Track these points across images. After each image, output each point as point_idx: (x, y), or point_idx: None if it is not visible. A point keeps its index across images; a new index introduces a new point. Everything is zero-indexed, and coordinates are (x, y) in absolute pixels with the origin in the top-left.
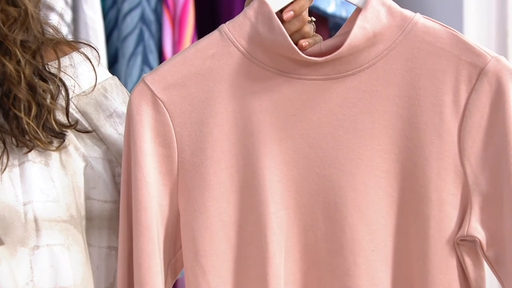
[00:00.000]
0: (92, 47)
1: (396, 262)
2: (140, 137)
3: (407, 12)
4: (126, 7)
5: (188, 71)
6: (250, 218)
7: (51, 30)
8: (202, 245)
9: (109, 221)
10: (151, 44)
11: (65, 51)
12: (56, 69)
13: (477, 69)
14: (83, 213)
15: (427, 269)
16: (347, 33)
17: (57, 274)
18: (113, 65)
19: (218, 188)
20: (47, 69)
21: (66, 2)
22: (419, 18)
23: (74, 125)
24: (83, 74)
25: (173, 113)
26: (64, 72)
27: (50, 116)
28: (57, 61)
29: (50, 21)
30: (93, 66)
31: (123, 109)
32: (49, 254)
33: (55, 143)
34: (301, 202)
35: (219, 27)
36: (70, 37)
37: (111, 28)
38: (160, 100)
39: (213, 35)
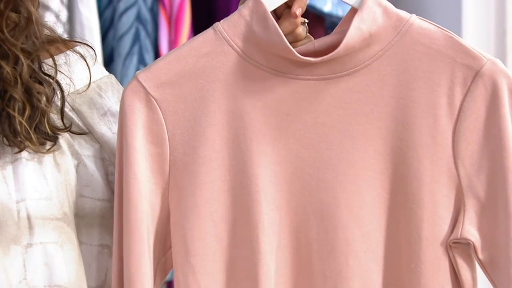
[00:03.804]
0: (89, 45)
1: (388, 263)
2: (132, 135)
3: (403, 13)
4: (122, 6)
5: (182, 69)
6: (242, 218)
7: (47, 31)
8: (192, 245)
9: (101, 219)
10: (147, 44)
11: (61, 49)
12: (52, 68)
13: (473, 71)
14: (75, 211)
15: (419, 271)
16: (342, 32)
17: (51, 272)
18: (109, 65)
19: (210, 187)
20: (43, 70)
21: (62, 1)
22: (415, 19)
23: (68, 129)
24: (79, 73)
25: (166, 111)
26: (59, 71)
27: (44, 118)
28: (52, 59)
29: (46, 22)
30: (87, 65)
31: (117, 108)
32: (43, 252)
33: (47, 145)
34: (293, 203)
35: (214, 25)
36: (65, 36)
37: (107, 27)
38: (153, 98)
39: (208, 33)
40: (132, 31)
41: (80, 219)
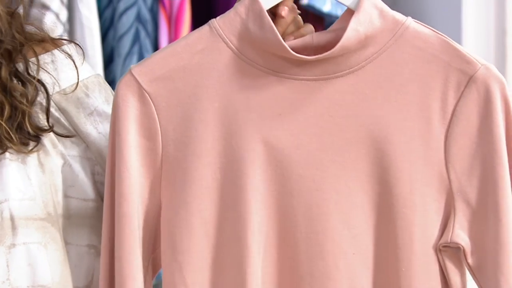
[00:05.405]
0: (78, 44)
1: (377, 266)
2: (124, 128)
3: (399, 16)
4: (122, 6)
5: (176, 65)
6: (231, 216)
7: (35, 29)
8: (180, 241)
9: (88, 219)
10: (147, 44)
11: (47, 48)
12: (35, 66)
13: (466, 76)
14: (60, 211)
15: (410, 275)
16: (340, 29)
17: (35, 272)
18: (109, 65)
19: (200, 184)
20: (29, 69)
21: (62, 1)
22: (410, 22)
23: (50, 129)
24: (65, 72)
25: (159, 106)
26: (45, 70)
27: (25, 119)
28: (36, 58)
29: (32, 21)
30: (74, 64)
31: (104, 107)
32: (26, 252)
33: (30, 145)
34: (283, 203)
35: (209, 21)
36: (65, 36)
37: (107, 27)
38: (147, 92)
39: (203, 30)
40: (132, 31)
41: (66, 220)
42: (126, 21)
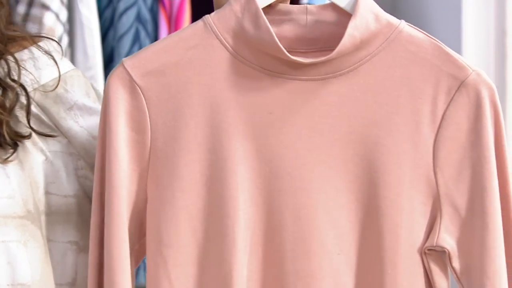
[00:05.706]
0: (55, 41)
1: (361, 267)
2: (114, 120)
3: (393, 20)
4: (122, 6)
5: (169, 60)
6: (218, 213)
7: (14, 29)
8: (166, 235)
9: (69, 215)
10: (147, 44)
11: (24, 45)
12: (16, 68)
13: (457, 81)
14: (41, 208)
15: (394, 277)
16: (335, 25)
17: (14, 270)
18: (108, 65)
19: (188, 179)
20: (11, 73)
21: (62, 1)
22: (404, 26)
23: (29, 136)
24: (44, 69)
25: (150, 100)
26: (23, 67)
27: (3, 127)
28: (15, 58)
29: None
30: (54, 60)
31: (84, 101)
32: (5, 251)
33: (8, 152)
34: (270, 201)
35: (203, 17)
36: (66, 37)
37: (107, 28)
38: (138, 86)
39: (197, 25)
40: (132, 31)
41: (47, 216)
42: (126, 21)
